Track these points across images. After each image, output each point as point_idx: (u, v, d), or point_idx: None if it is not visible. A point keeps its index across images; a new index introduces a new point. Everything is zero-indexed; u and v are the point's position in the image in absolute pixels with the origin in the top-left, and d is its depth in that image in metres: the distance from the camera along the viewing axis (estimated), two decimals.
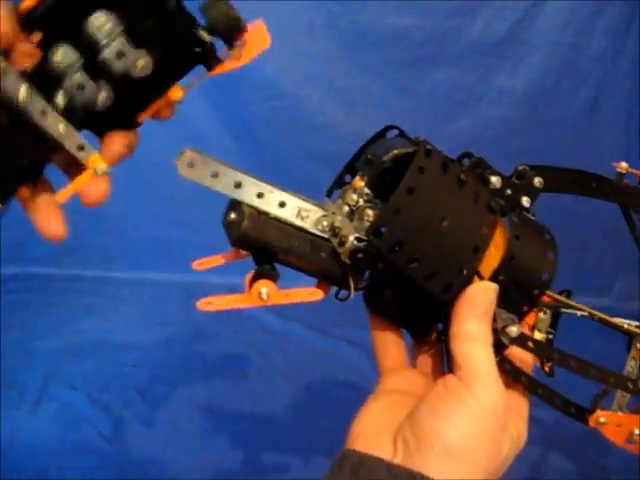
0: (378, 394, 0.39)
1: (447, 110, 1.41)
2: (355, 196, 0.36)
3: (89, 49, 0.28)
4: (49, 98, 0.28)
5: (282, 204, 0.35)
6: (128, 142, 0.31)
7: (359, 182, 0.37)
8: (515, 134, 1.41)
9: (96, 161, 0.29)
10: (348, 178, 0.39)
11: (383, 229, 0.33)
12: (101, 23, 0.27)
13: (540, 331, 0.43)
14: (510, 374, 0.37)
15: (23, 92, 0.26)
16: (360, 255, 0.34)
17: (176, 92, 0.31)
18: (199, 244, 1.48)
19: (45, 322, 1.23)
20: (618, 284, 1.54)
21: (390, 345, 0.41)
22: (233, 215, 0.35)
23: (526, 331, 0.38)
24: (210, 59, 0.32)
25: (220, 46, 0.32)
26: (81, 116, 0.29)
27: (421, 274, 0.33)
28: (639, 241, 0.49)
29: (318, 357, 1.19)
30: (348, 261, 0.34)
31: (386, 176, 0.35)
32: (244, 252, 0.36)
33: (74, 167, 0.30)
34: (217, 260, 0.39)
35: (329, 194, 0.39)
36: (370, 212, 0.35)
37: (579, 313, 0.43)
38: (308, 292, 0.36)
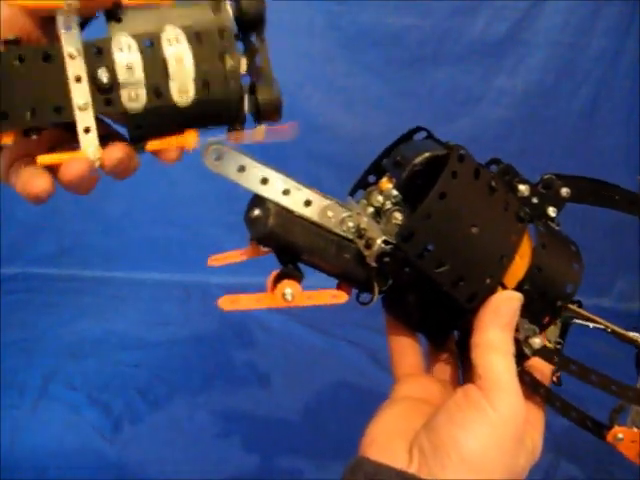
0: (393, 401, 0.38)
1: (447, 110, 1.41)
2: (381, 198, 0.36)
3: (154, 58, 0.29)
4: (93, 68, 0.28)
5: (308, 202, 0.34)
6: (129, 155, 0.31)
7: (387, 184, 0.36)
8: (515, 134, 1.41)
9: (92, 144, 0.29)
10: (372, 179, 0.39)
11: (412, 233, 0.32)
12: (172, 37, 0.29)
13: (549, 341, 0.43)
14: (529, 386, 0.36)
15: (74, 37, 0.28)
16: (387, 259, 0.33)
17: (192, 138, 0.32)
18: (199, 244, 1.48)
19: (45, 322, 1.23)
20: (618, 284, 1.54)
21: (406, 350, 0.41)
22: (257, 211, 0.34)
23: (545, 382, 0.38)
24: (236, 126, 0.33)
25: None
26: (107, 105, 0.29)
27: (448, 281, 0.33)
28: None
29: (318, 357, 1.19)
30: (374, 264, 0.34)
31: (416, 179, 0.34)
32: (263, 249, 0.35)
33: (62, 146, 0.30)
34: (234, 256, 0.38)
35: (352, 194, 0.39)
36: (398, 215, 0.34)
37: (591, 325, 0.42)
38: (332, 294, 0.36)
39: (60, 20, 0.27)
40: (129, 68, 0.29)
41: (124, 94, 0.29)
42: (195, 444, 0.95)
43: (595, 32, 1.38)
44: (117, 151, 0.30)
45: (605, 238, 1.44)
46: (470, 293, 0.33)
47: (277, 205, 0.34)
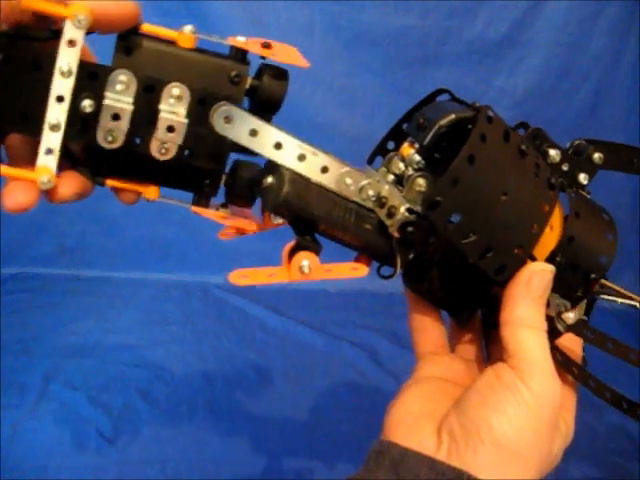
0: (417, 380, 0.36)
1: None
2: (402, 165, 0.33)
3: (148, 106, 0.28)
4: (77, 94, 0.27)
5: (325, 169, 0.32)
6: (83, 191, 0.29)
7: (408, 149, 0.33)
8: None
9: (45, 172, 0.27)
10: (391, 145, 0.37)
11: (439, 200, 0.29)
12: (175, 94, 0.28)
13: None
14: (561, 364, 0.34)
15: (74, 54, 0.26)
16: (411, 229, 0.31)
17: (153, 193, 0.31)
18: (199, 244, 1.48)
19: (45, 322, 1.23)
20: (618, 284, 1.54)
21: (429, 328, 0.39)
22: (270, 179, 0.31)
23: (577, 361, 0.36)
24: (204, 198, 0.32)
25: None
26: (79, 134, 0.28)
27: (476, 252, 0.30)
28: None
29: (318, 357, 1.19)
30: (397, 235, 0.32)
31: (441, 144, 0.32)
32: (276, 221, 0.32)
33: (21, 159, 0.28)
34: (244, 226, 0.34)
35: (370, 162, 0.37)
36: (422, 182, 0.32)
37: (620, 301, 0.39)
38: (351, 267, 0.33)
39: (66, 32, 0.25)
40: (116, 117, 0.27)
41: (101, 133, 0.27)
42: (195, 444, 0.95)
43: (595, 32, 1.38)
44: (73, 186, 0.28)
45: None
46: (499, 264, 0.31)
47: (292, 172, 0.31)
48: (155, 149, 0.28)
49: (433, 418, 0.31)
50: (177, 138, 0.28)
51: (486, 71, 1.40)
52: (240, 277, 0.32)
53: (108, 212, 1.44)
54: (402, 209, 0.31)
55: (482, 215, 0.30)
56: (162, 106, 0.28)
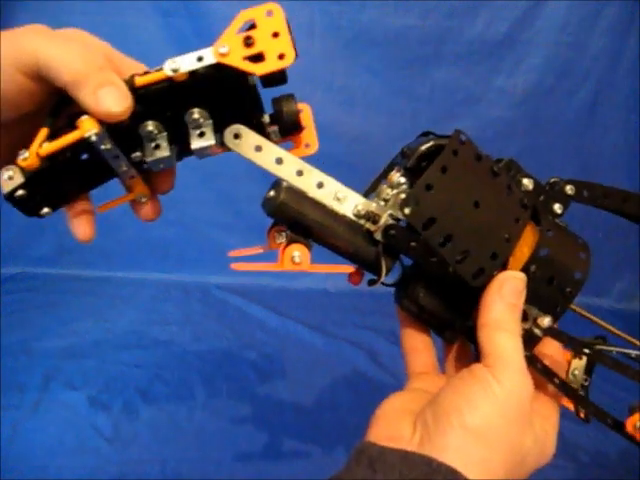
0: (405, 390, 0.38)
1: (447, 110, 1.41)
2: (389, 190, 0.37)
3: (175, 127, 0.35)
4: (127, 151, 0.35)
5: (320, 185, 0.36)
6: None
7: (395, 175, 0.37)
8: (515, 134, 1.41)
9: (141, 189, 0.39)
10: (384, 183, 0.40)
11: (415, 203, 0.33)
12: (196, 117, 0.35)
13: (575, 377, 0.42)
14: (542, 373, 0.36)
15: (107, 144, 0.33)
16: (393, 232, 0.35)
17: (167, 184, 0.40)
18: (199, 244, 1.48)
19: (45, 322, 1.23)
20: (618, 284, 1.54)
21: (420, 349, 0.41)
22: (272, 192, 0.35)
23: (562, 374, 0.38)
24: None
25: None
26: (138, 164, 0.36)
27: (453, 255, 0.33)
28: None
29: (318, 357, 1.19)
30: (380, 238, 0.35)
31: (422, 169, 0.35)
32: (280, 241, 0.36)
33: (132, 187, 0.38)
34: (252, 250, 0.40)
35: (366, 196, 0.40)
36: (403, 195, 0.36)
37: (615, 350, 0.40)
38: (338, 267, 0.37)
39: (99, 146, 0.33)
40: (155, 148, 0.36)
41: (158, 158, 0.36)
42: (195, 444, 0.95)
43: (595, 32, 1.38)
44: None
45: (605, 238, 1.44)
46: (476, 269, 0.33)
47: (290, 185, 0.35)
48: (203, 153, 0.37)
49: (412, 413, 0.33)
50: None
51: (486, 71, 1.40)
52: (239, 266, 0.39)
53: (108, 212, 1.43)
54: (385, 215, 0.35)
55: (456, 220, 0.33)
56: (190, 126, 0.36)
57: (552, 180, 0.39)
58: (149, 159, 0.35)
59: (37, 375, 1.06)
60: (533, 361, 0.35)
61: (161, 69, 0.33)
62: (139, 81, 0.33)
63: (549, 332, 0.35)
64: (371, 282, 0.38)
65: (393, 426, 0.33)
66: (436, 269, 0.35)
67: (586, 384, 0.42)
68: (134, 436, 0.96)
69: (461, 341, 0.40)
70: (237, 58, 0.32)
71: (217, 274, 1.45)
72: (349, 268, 0.37)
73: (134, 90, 0.32)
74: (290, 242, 0.36)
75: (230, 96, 0.35)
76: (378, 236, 0.35)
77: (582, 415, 0.42)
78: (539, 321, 0.35)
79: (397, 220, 0.35)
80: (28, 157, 0.32)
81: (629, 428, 0.38)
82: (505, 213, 0.34)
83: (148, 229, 1.48)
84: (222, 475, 0.90)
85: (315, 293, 1.44)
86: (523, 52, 1.39)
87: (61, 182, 0.35)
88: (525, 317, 0.35)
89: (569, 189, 0.39)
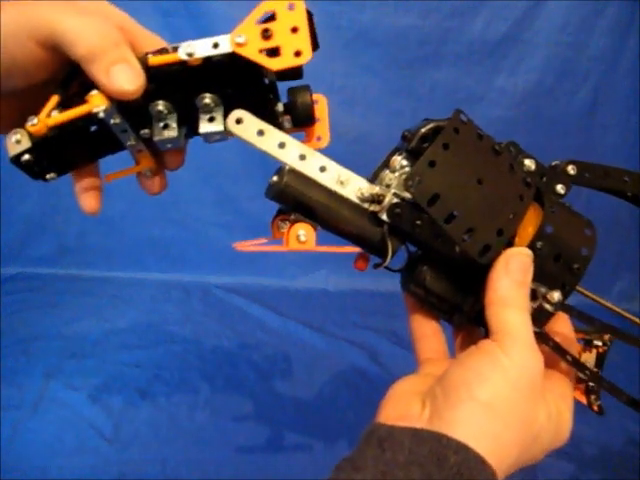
0: (414, 374, 0.38)
1: (447, 110, 1.38)
2: (392, 175, 0.36)
3: (186, 109, 0.35)
4: (136, 127, 0.35)
5: (323, 168, 0.35)
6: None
7: (396, 159, 0.37)
8: (515, 134, 1.39)
9: (148, 163, 0.38)
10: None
11: (419, 179, 0.33)
12: (207, 102, 0.35)
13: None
14: (555, 350, 0.35)
15: (116, 119, 0.33)
16: (398, 210, 0.34)
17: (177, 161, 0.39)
18: (199, 244, 1.48)
19: (45, 322, 1.23)
20: (618, 284, 1.54)
21: (429, 335, 0.40)
22: (275, 177, 0.35)
23: (574, 353, 0.37)
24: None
25: None
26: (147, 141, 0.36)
27: (459, 231, 0.33)
28: None
29: (318, 357, 1.19)
30: (386, 217, 0.35)
31: (424, 149, 0.35)
32: (283, 230, 0.36)
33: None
34: (259, 241, 0.39)
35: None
36: (407, 174, 0.35)
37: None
38: (344, 248, 0.37)
39: (109, 122, 0.33)
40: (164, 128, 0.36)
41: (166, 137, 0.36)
42: (195, 444, 0.95)
43: (595, 32, 1.38)
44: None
45: (605, 238, 1.43)
46: (482, 246, 0.33)
47: (293, 169, 0.35)
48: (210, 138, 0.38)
49: (421, 393, 0.33)
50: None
51: (486, 71, 1.40)
52: (244, 246, 0.38)
53: (108, 212, 1.43)
54: (390, 194, 0.35)
55: (460, 196, 0.33)
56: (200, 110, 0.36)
57: (553, 164, 0.39)
58: (157, 138, 0.35)
59: (37, 375, 1.06)
60: (545, 338, 0.35)
61: (177, 49, 0.33)
62: (152, 60, 0.33)
63: (560, 307, 0.35)
64: (377, 265, 0.37)
65: (402, 406, 0.32)
66: (442, 249, 0.35)
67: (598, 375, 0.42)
68: (134, 436, 0.96)
69: (470, 326, 0.40)
70: (253, 50, 0.32)
71: (217, 274, 1.45)
72: (355, 248, 0.37)
73: (147, 69, 0.32)
74: (295, 222, 0.35)
75: (244, 84, 0.35)
76: (383, 216, 0.35)
77: (595, 408, 0.42)
78: (549, 296, 0.34)
79: (402, 200, 0.34)
80: (37, 123, 0.32)
81: None
82: (509, 190, 0.34)
83: (148, 229, 1.48)
84: (222, 475, 0.90)
85: (315, 293, 1.44)
86: (523, 52, 1.39)
87: (68, 150, 0.35)
88: (534, 295, 0.34)
89: (571, 169, 0.39)
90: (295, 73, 0.36)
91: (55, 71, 0.33)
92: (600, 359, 0.42)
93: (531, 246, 0.34)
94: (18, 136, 0.33)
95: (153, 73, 0.33)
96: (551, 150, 1.43)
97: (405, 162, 0.36)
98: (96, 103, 0.32)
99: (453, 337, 0.41)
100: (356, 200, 0.36)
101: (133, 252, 1.46)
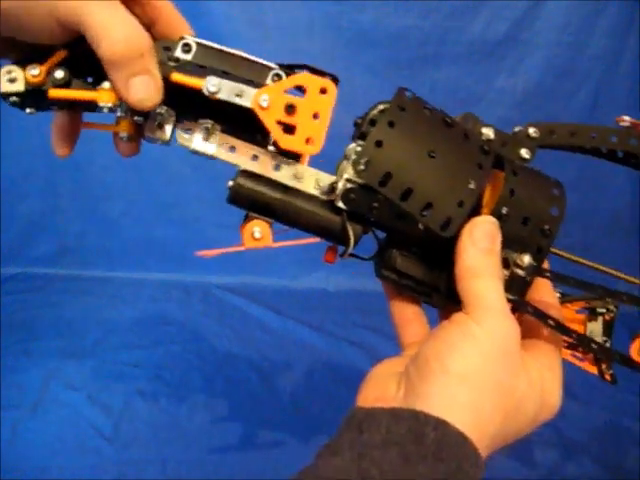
0: (395, 357, 0.37)
1: (447, 110, 1.40)
2: (346, 162, 0.36)
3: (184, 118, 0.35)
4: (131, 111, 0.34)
5: (277, 167, 0.35)
6: None
7: (349, 146, 0.36)
8: None
9: (126, 128, 0.35)
10: None
11: (368, 160, 0.32)
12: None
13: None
14: (535, 316, 0.34)
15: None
16: (353, 195, 0.34)
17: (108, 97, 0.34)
18: (199, 244, 1.47)
19: (45, 322, 1.23)
20: (618, 284, 1.54)
21: (411, 319, 0.39)
22: (231, 182, 0.35)
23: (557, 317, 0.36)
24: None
25: None
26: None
27: (417, 207, 0.32)
28: None
29: (318, 357, 1.19)
30: (342, 205, 0.34)
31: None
32: (254, 239, 0.35)
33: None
34: (222, 250, 0.39)
35: None
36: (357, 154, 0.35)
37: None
38: (304, 240, 0.37)
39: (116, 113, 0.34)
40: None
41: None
42: (195, 444, 0.95)
43: (595, 32, 1.38)
44: None
45: (605, 238, 1.44)
46: (443, 219, 0.32)
47: (246, 169, 0.35)
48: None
49: (398, 374, 0.32)
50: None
51: (486, 71, 1.40)
52: (204, 252, 0.39)
53: (108, 212, 1.44)
54: (342, 180, 0.34)
55: (413, 172, 0.32)
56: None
57: (517, 128, 0.39)
58: (148, 134, 0.35)
59: (37, 375, 1.06)
60: (524, 305, 0.34)
61: (204, 77, 0.33)
62: (175, 77, 0.32)
63: (533, 271, 0.34)
64: (342, 254, 0.37)
65: (379, 387, 0.32)
66: (406, 229, 0.35)
67: (607, 345, 0.41)
68: (134, 436, 0.96)
69: (453, 306, 0.39)
70: (271, 118, 0.32)
71: (217, 274, 1.45)
72: (314, 239, 0.37)
73: (165, 79, 0.32)
74: (250, 219, 0.35)
75: (249, 126, 0.35)
76: (339, 203, 0.34)
77: (608, 377, 0.41)
78: (519, 261, 0.33)
79: (356, 184, 0.34)
80: (37, 75, 0.31)
81: (634, 355, 0.37)
82: (465, 160, 0.33)
83: (148, 229, 1.48)
84: (222, 475, 0.90)
85: (315, 293, 1.44)
86: (523, 52, 1.39)
87: (56, 103, 0.34)
88: (506, 263, 0.33)
89: (533, 132, 0.39)
90: (292, 156, 0.35)
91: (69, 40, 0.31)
92: (608, 327, 0.41)
93: (496, 212, 0.33)
94: (14, 75, 0.32)
95: (169, 85, 0.33)
96: (552, 152, 1.43)
97: (358, 148, 0.35)
98: (104, 99, 0.32)
99: (438, 320, 0.40)
100: (314, 192, 0.35)
101: (133, 252, 1.46)
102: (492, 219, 0.33)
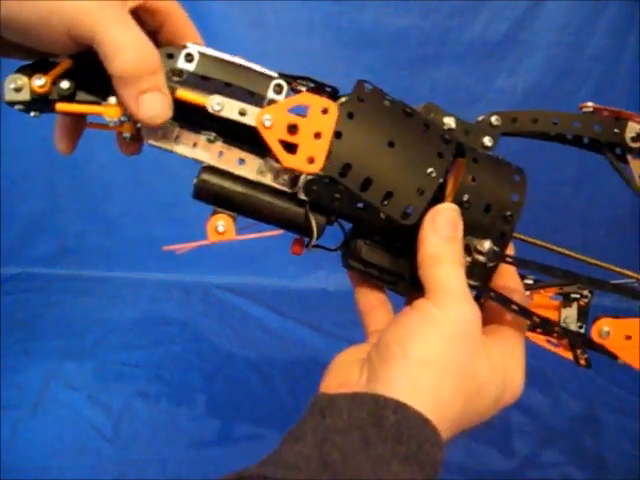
0: (359, 344, 0.38)
1: (447, 110, 1.40)
2: None
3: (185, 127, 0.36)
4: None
5: (242, 161, 0.36)
6: None
7: None
8: None
9: (129, 129, 0.35)
10: None
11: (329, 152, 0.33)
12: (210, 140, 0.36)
13: (568, 326, 0.41)
14: (499, 302, 0.35)
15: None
16: (314, 187, 0.35)
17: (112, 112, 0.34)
18: None
19: (45, 322, 1.23)
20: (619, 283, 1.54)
21: (375, 306, 0.40)
22: (195, 179, 0.36)
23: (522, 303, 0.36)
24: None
25: None
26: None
27: (377, 197, 0.33)
28: (629, 183, 0.47)
29: (318, 357, 1.19)
30: (304, 196, 0.35)
31: None
32: (219, 233, 0.36)
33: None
34: (191, 245, 0.39)
35: None
36: None
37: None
38: (266, 232, 0.37)
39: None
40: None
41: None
42: (195, 444, 0.95)
43: (595, 32, 1.38)
44: None
45: (605, 237, 1.44)
46: (403, 208, 0.33)
47: (211, 165, 0.36)
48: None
49: (360, 360, 0.33)
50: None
51: (486, 71, 1.40)
52: (172, 247, 0.40)
53: (108, 212, 1.44)
54: (303, 173, 0.35)
55: (373, 162, 0.33)
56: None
57: (480, 117, 0.39)
58: (149, 140, 0.36)
59: (37, 375, 1.06)
60: (486, 291, 0.35)
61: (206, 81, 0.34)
62: (180, 94, 0.33)
63: (494, 257, 0.34)
64: (307, 245, 0.38)
65: (343, 374, 0.32)
66: (369, 218, 0.35)
67: (582, 331, 0.42)
68: (134, 436, 0.96)
69: (418, 293, 0.40)
70: (274, 137, 0.33)
71: (217, 274, 1.45)
72: (277, 232, 0.37)
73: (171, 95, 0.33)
74: (213, 214, 0.36)
75: (251, 141, 0.35)
76: (301, 195, 0.35)
77: (582, 362, 0.41)
78: (479, 247, 0.34)
79: (317, 176, 0.34)
80: (43, 85, 0.32)
81: (595, 337, 0.37)
82: (425, 149, 0.34)
83: (148, 229, 1.48)
84: (222, 475, 0.90)
85: (315, 293, 1.44)
86: (523, 52, 1.39)
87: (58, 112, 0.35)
88: (468, 249, 0.34)
89: (495, 120, 0.39)
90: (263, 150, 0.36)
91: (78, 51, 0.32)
92: (582, 312, 0.41)
93: (457, 200, 0.34)
94: (19, 84, 0.32)
95: (175, 99, 0.33)
96: (551, 150, 1.43)
97: None
98: (110, 114, 0.33)
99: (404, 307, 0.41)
100: (278, 186, 0.36)
101: (133, 252, 1.46)
102: (453, 206, 0.33)
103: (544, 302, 0.46)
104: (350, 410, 0.28)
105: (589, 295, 0.43)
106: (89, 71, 0.32)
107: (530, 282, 0.46)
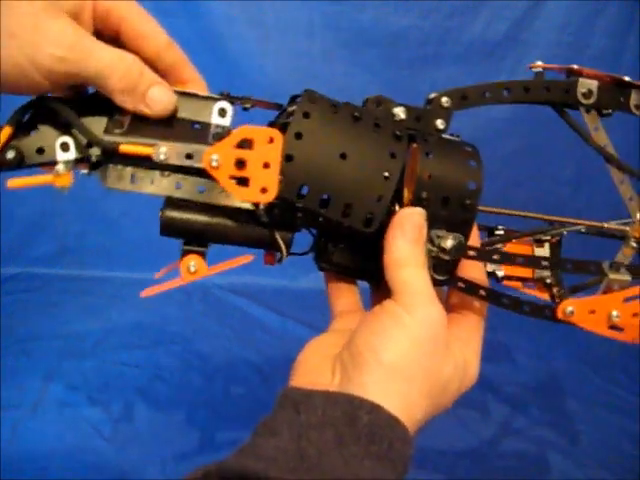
0: (327, 332, 0.39)
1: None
2: None
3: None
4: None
5: (202, 190, 0.36)
6: None
7: None
8: (514, 134, 1.41)
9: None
10: None
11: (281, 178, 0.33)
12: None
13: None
14: (467, 291, 0.36)
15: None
16: (276, 211, 0.35)
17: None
18: None
19: (45, 322, 1.23)
20: None
21: (343, 289, 0.42)
22: (160, 213, 0.36)
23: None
24: None
25: None
26: None
27: (337, 212, 0.33)
28: (587, 140, 0.49)
29: None
30: (267, 220, 0.36)
31: None
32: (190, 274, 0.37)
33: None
34: (170, 284, 0.40)
35: None
36: None
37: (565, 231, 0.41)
38: (235, 261, 0.38)
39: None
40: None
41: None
42: (195, 444, 0.95)
43: (595, 32, 1.38)
44: None
45: (605, 237, 1.44)
46: (365, 217, 0.34)
47: (171, 197, 0.36)
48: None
49: (331, 359, 0.34)
50: None
51: (486, 71, 1.40)
52: (149, 291, 0.41)
53: (108, 212, 1.44)
54: None
55: (328, 179, 0.33)
56: None
57: (429, 97, 0.39)
58: (106, 184, 0.37)
59: (37, 375, 1.06)
60: (453, 282, 0.35)
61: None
62: (124, 149, 0.33)
63: (458, 252, 0.35)
64: (280, 260, 0.38)
65: (314, 372, 0.33)
66: (332, 228, 0.35)
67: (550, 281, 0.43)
68: (134, 436, 0.96)
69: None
70: (224, 175, 0.33)
71: (217, 274, 1.45)
72: (247, 258, 0.38)
73: (115, 150, 0.34)
74: (184, 254, 0.37)
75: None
76: (263, 217, 0.35)
77: (557, 300, 0.42)
78: (442, 245, 0.34)
79: (276, 199, 0.34)
80: None
81: (560, 315, 0.38)
82: (377, 153, 0.34)
83: (148, 229, 1.48)
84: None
85: (315, 293, 1.43)
86: (523, 52, 1.39)
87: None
88: (431, 241, 0.34)
89: (445, 101, 0.39)
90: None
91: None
92: (555, 248, 0.42)
93: (416, 198, 0.34)
94: None
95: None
96: (551, 150, 1.43)
97: None
98: (61, 183, 0.35)
99: (371, 291, 0.42)
100: (240, 205, 0.36)
101: (133, 252, 1.46)
102: (419, 211, 0.34)
103: (517, 248, 0.47)
104: (324, 408, 0.29)
105: (560, 236, 0.44)
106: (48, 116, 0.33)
107: (501, 233, 0.47)
